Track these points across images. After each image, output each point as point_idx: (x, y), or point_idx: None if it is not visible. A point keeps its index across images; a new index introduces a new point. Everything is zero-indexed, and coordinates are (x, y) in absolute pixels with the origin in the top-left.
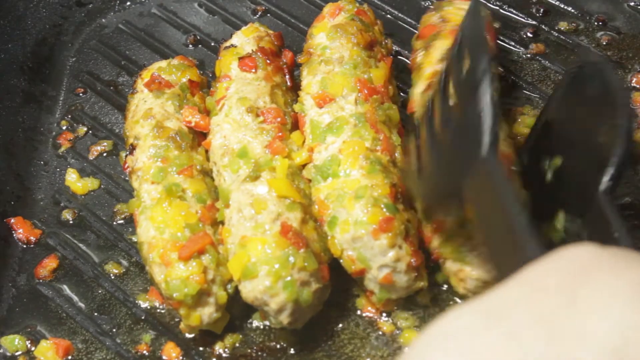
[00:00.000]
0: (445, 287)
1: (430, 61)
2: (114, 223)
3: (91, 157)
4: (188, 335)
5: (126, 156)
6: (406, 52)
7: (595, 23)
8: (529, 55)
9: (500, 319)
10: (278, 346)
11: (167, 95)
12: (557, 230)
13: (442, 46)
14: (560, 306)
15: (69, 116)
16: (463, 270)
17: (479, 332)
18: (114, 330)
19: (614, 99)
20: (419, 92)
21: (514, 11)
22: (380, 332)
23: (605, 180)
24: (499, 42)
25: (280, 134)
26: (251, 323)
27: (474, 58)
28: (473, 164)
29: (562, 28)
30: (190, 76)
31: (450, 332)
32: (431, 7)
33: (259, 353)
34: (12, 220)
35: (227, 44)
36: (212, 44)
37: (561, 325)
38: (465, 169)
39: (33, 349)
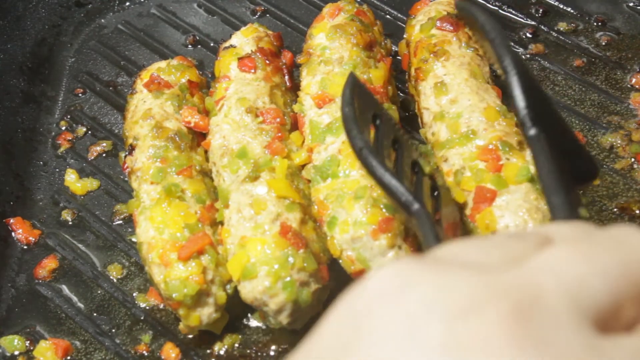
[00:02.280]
0: None
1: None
2: (113, 223)
3: (90, 158)
4: (187, 336)
5: (125, 156)
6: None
7: (595, 23)
8: (528, 56)
9: None
10: (277, 347)
11: (166, 95)
12: None
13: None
14: None
15: (68, 116)
16: None
17: None
18: (113, 330)
19: (484, 28)
20: None
21: (513, 11)
22: None
23: (522, 107)
24: None
25: (279, 134)
26: (250, 323)
27: (348, 137)
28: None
29: (561, 28)
30: (189, 76)
31: None
32: None
33: (258, 353)
34: (12, 221)
35: (227, 44)
36: (212, 44)
37: None
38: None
39: (32, 349)
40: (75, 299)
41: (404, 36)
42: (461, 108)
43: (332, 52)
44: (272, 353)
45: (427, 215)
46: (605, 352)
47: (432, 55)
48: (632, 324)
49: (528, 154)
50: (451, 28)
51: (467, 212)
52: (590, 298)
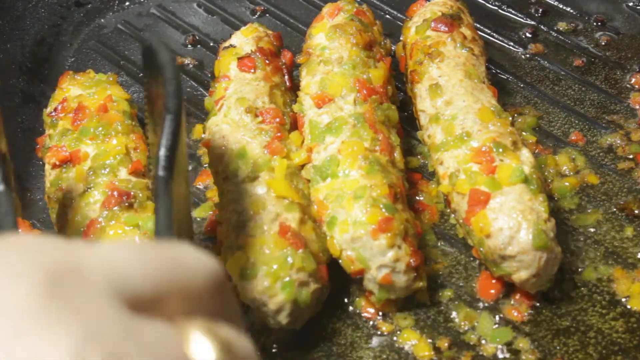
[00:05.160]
0: (444, 289)
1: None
2: None
3: None
4: None
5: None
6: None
7: (594, 23)
8: (527, 56)
9: None
10: (277, 346)
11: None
12: None
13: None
14: None
15: None
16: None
17: None
18: None
19: (163, 72)
20: None
21: (513, 11)
22: (380, 333)
23: (160, 165)
24: (498, 41)
25: (279, 134)
26: (250, 323)
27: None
28: None
29: (560, 28)
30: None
31: None
32: None
33: (258, 353)
34: None
35: (226, 44)
36: (211, 44)
37: None
38: None
39: None
40: None
41: (401, 38)
42: (456, 110)
43: (332, 52)
44: (271, 353)
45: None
46: (131, 323)
47: (426, 57)
48: (173, 316)
49: (522, 154)
50: (446, 29)
51: (462, 215)
52: (128, 283)
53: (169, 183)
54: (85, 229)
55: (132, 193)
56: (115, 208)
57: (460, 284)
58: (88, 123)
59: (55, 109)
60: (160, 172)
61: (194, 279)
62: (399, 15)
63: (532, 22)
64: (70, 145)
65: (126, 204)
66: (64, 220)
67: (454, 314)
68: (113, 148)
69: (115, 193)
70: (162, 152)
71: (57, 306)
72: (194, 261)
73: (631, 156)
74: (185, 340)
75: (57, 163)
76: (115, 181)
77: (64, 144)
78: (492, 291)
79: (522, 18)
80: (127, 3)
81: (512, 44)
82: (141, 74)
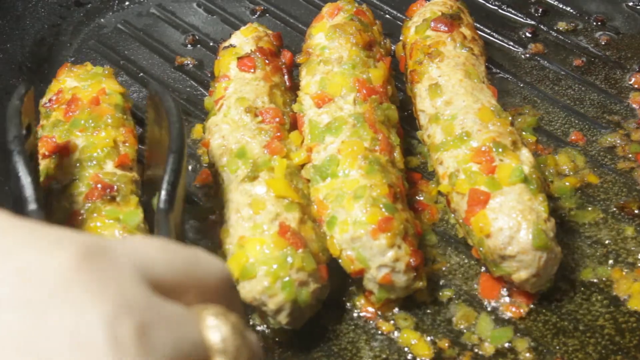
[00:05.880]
0: (444, 288)
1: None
2: None
3: None
4: None
5: None
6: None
7: (594, 23)
8: (527, 55)
9: None
10: (277, 346)
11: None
12: None
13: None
14: None
15: None
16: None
17: None
18: None
19: (168, 116)
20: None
21: (513, 11)
22: (379, 332)
23: (162, 199)
24: (498, 41)
25: (278, 134)
26: (250, 323)
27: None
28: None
29: (560, 28)
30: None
31: None
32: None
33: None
34: None
35: (226, 44)
36: (211, 43)
37: None
38: None
39: None
40: None
41: (400, 38)
42: (456, 109)
43: (332, 51)
44: (271, 353)
45: (41, 217)
46: (155, 300)
47: (426, 56)
48: (190, 304)
49: (522, 154)
50: (445, 29)
51: (462, 215)
52: (151, 268)
53: (169, 214)
54: (68, 220)
55: (115, 187)
56: (98, 201)
57: (460, 284)
58: (79, 115)
59: (50, 100)
60: (162, 205)
61: (208, 276)
62: (399, 15)
63: (532, 22)
64: (60, 137)
65: (108, 197)
66: (49, 211)
67: (454, 314)
68: (101, 140)
69: (99, 186)
70: (165, 186)
71: (90, 278)
72: (208, 262)
73: (631, 156)
74: (201, 321)
75: (47, 153)
76: (100, 174)
77: (54, 135)
78: (492, 291)
79: (522, 18)
80: (127, 3)
81: (512, 44)
82: (141, 74)
